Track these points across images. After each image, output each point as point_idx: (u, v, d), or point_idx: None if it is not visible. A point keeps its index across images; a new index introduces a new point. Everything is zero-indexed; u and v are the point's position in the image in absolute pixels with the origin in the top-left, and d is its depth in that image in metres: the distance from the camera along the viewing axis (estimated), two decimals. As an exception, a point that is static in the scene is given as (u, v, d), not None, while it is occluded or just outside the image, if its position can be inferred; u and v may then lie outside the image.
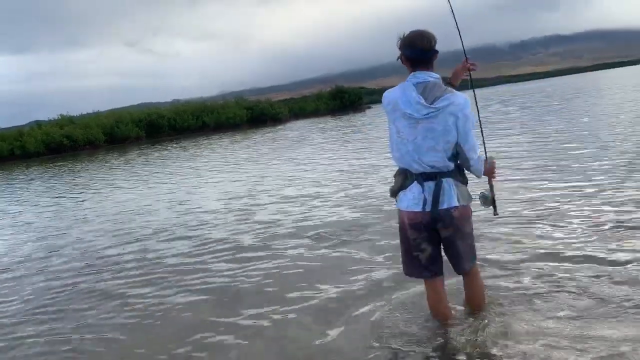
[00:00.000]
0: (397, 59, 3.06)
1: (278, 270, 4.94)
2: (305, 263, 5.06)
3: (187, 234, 7.04)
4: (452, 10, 3.21)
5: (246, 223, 7.20)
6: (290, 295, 4.26)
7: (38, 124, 40.29)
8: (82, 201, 11.96)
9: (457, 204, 2.94)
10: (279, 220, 7.10)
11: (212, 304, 4.32)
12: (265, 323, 3.78)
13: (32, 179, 20.23)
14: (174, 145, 30.00)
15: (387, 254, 4.86)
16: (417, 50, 2.91)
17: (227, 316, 4.01)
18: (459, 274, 3.25)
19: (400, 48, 2.99)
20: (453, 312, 3.33)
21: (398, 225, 3.17)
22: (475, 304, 3.32)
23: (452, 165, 2.95)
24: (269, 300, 4.22)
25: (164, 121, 41.86)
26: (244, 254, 5.63)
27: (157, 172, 16.36)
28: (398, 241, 3.19)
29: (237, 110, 45.23)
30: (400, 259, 3.27)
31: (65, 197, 13.33)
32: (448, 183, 2.94)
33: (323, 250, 5.40)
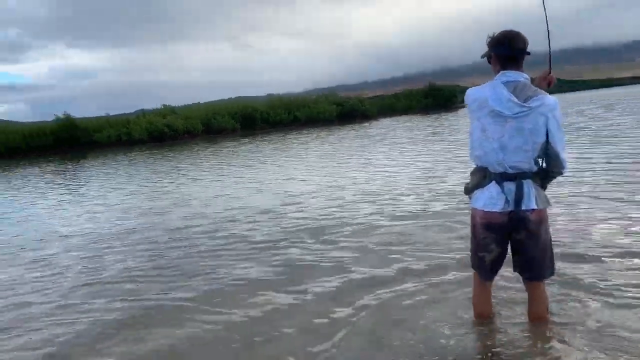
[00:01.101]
0: (483, 57, 3.07)
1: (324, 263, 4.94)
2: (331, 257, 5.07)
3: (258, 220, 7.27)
4: (546, 14, 3.10)
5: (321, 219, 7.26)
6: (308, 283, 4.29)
7: (143, 112, 43.04)
8: (175, 185, 12.76)
9: (535, 206, 2.87)
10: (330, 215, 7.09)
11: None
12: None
13: (135, 163, 21.75)
14: (261, 138, 30.91)
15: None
16: (512, 49, 2.91)
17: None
18: (527, 280, 3.11)
19: (491, 46, 2.99)
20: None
21: (470, 223, 3.14)
22: (538, 317, 3.17)
23: (535, 168, 2.90)
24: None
25: (258, 114, 43.26)
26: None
27: (244, 164, 16.96)
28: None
29: (328, 106, 45.74)
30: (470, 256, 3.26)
31: (160, 181, 14.28)
32: (528, 185, 2.88)
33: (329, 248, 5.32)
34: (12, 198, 14.37)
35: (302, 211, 8.05)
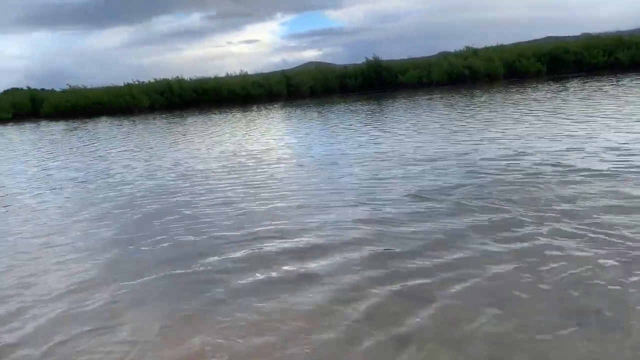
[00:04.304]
0: None
1: None
2: None
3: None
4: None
5: None
6: None
7: (445, 55, 43.09)
8: (469, 123, 12.55)
9: None
10: None
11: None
12: None
13: (436, 103, 22.16)
14: (573, 83, 27.55)
15: None
16: None
17: None
18: None
19: None
20: None
21: None
22: None
23: None
24: None
25: (570, 57, 38.69)
26: None
27: (551, 111, 15.45)
28: None
29: (662, 46, 37.73)
30: None
31: (458, 118, 14.22)
32: None
33: None
34: (332, 128, 16.42)
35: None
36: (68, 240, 6.50)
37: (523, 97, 21.73)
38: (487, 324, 3.58)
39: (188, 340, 3.76)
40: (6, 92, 46.36)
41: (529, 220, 5.54)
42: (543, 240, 4.94)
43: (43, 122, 34.14)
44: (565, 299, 3.84)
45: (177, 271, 5.08)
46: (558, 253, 4.62)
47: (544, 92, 23.38)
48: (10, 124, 35.75)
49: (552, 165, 7.92)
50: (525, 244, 4.90)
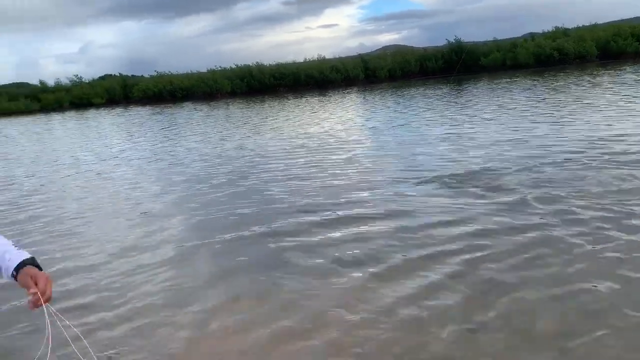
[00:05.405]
0: None
1: None
2: None
3: None
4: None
5: None
6: None
7: (532, 36, 40.81)
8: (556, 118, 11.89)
9: None
10: None
11: None
12: None
13: (520, 87, 21.10)
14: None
15: None
16: None
17: None
18: None
19: None
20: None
21: None
22: None
23: None
24: None
25: (675, 34, 35.37)
26: None
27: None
28: None
29: None
30: None
31: (539, 111, 13.53)
32: None
33: None
34: (410, 113, 16.18)
35: None
36: (140, 210, 6.94)
37: (613, 79, 20.16)
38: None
39: (249, 311, 3.84)
40: (100, 78, 49.50)
41: (595, 209, 5.17)
42: (619, 235, 4.59)
43: (132, 107, 36.18)
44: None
45: (249, 241, 5.21)
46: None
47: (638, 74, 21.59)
48: (102, 107, 38.24)
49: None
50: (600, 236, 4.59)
